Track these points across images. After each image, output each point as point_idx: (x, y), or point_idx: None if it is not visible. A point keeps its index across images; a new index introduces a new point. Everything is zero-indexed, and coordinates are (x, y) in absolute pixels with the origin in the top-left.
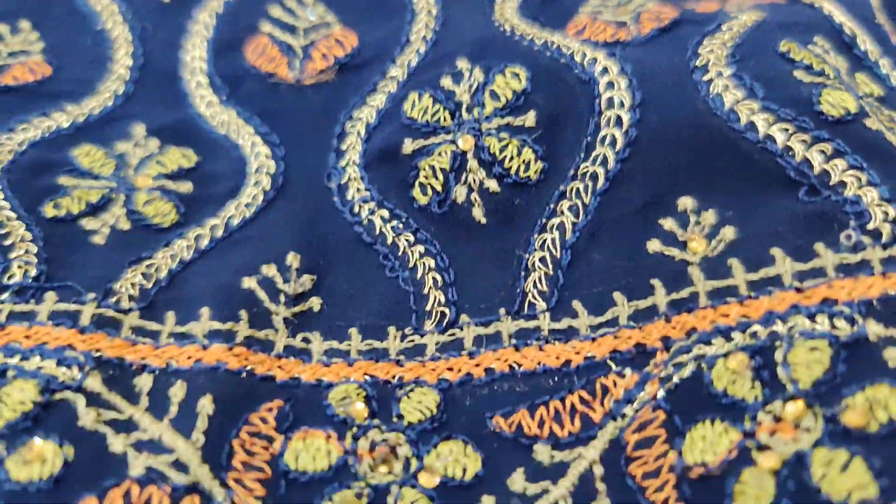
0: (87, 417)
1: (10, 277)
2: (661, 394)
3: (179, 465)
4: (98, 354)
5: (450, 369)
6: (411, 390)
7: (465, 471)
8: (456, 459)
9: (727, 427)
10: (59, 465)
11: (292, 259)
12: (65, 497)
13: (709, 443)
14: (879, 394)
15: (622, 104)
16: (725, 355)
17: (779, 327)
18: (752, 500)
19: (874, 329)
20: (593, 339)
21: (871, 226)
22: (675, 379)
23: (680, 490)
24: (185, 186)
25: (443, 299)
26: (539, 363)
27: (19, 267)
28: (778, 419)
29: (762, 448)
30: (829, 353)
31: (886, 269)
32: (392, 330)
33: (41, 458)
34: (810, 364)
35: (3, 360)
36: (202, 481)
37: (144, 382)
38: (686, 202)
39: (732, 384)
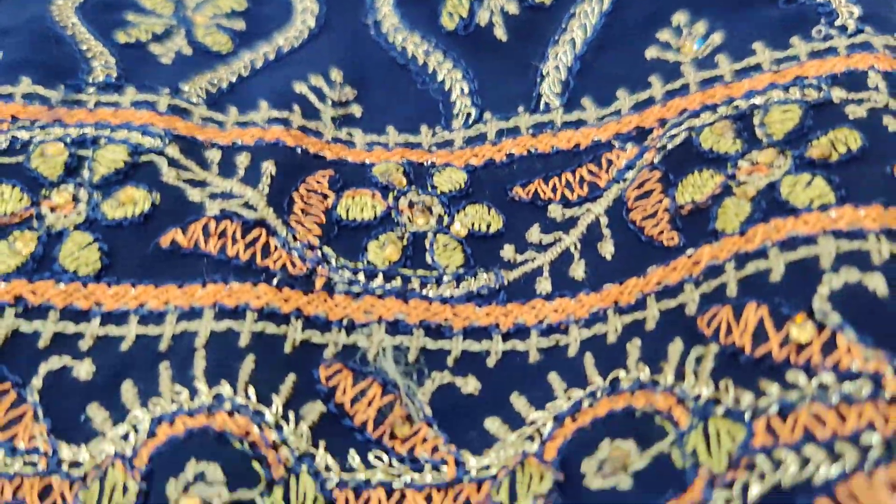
0: (170, 175)
1: (94, 78)
2: (657, 159)
3: (248, 206)
4: (175, 132)
5: (475, 156)
6: (442, 169)
7: (489, 226)
8: (481, 217)
9: (713, 174)
10: (147, 206)
11: (336, 75)
12: (153, 229)
13: (697, 186)
14: (840, 134)
15: None
16: (711, 123)
17: (757, 100)
18: (731, 217)
19: (838, 94)
20: (599, 126)
21: (838, 22)
22: (669, 146)
23: (673, 223)
24: (239, 24)
25: (468, 103)
26: (552, 147)
27: (101, 70)
28: (755, 163)
29: (741, 184)
30: (799, 113)
31: (850, 52)
32: (424, 128)
33: (133, 201)
34: (783, 121)
35: (96, 132)
36: (268, 218)
37: (214, 155)
38: (679, 17)
39: (717, 143)
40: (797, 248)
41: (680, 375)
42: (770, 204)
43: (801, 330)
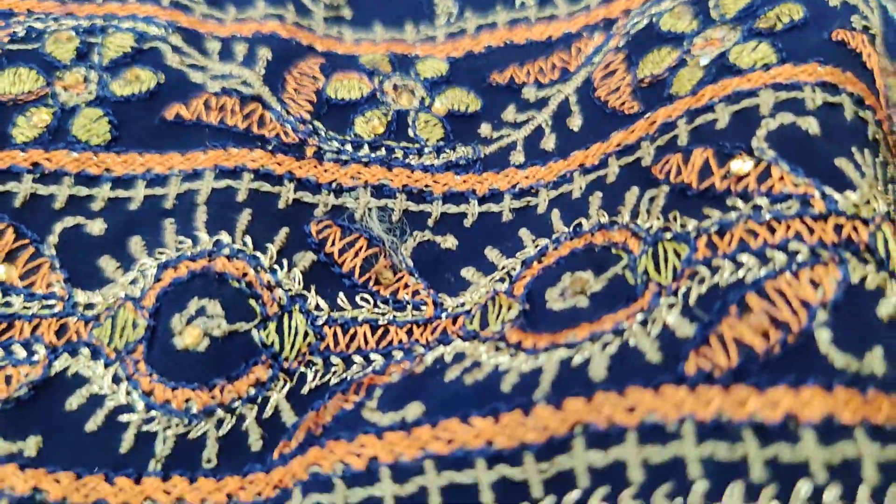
0: (173, 60)
1: None
2: (621, 43)
3: (245, 84)
4: (178, 24)
5: (455, 49)
6: (425, 59)
7: (467, 107)
8: (461, 99)
9: (670, 50)
10: (153, 84)
11: None
12: (158, 105)
13: (656, 62)
14: (785, 8)
15: None
16: (672, 9)
17: None
18: (685, 82)
19: None
20: (570, 20)
21: None
22: (633, 31)
23: (634, 94)
24: None
25: (451, 3)
26: (527, 39)
27: None
28: (709, 39)
29: (695, 56)
30: None
31: None
32: (409, 26)
33: (139, 79)
34: (736, 1)
35: (104, 23)
36: (263, 95)
37: (214, 46)
38: None
39: (675, 24)
40: (741, 100)
41: (635, 214)
42: (720, 69)
43: (740, 164)
